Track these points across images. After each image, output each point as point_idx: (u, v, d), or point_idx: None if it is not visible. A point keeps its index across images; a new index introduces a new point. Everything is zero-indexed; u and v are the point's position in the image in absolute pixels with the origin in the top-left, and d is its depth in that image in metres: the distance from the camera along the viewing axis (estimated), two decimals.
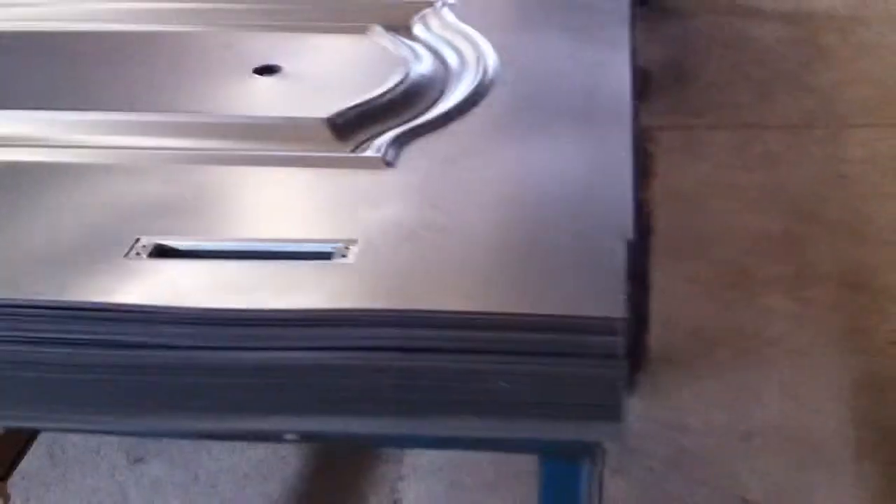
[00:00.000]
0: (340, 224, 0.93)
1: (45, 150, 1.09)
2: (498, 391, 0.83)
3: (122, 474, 2.05)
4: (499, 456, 1.96)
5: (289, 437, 0.95)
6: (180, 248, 0.90)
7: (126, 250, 0.89)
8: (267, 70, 1.23)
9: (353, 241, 0.89)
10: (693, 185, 2.83)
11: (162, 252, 0.90)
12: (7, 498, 1.71)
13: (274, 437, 0.95)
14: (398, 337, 0.82)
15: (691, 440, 2.02)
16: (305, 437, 0.97)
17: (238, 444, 2.04)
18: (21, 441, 1.71)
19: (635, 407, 2.02)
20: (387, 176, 1.01)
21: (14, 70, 1.30)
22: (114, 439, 2.15)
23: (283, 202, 1.00)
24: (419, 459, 2.05)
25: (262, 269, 0.87)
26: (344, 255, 0.88)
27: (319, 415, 0.86)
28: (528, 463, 1.02)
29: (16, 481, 1.84)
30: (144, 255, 0.89)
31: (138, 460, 2.10)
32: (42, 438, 1.93)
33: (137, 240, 0.91)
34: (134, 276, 0.86)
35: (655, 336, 2.24)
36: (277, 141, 1.09)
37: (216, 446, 2.07)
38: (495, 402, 0.84)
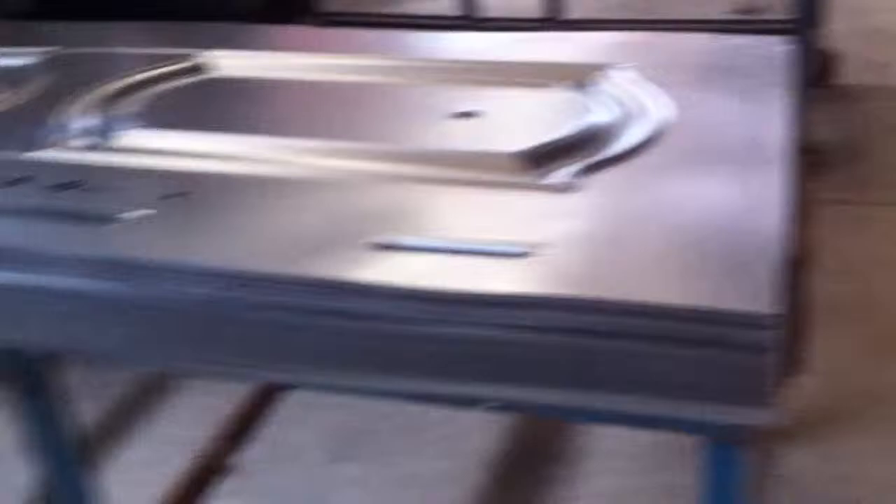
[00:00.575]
0: (531, 231, 1.13)
1: (282, 167, 1.35)
2: (658, 373, 1.00)
3: (325, 471, 2.31)
4: (670, 484, 2.10)
5: (485, 405, 1.14)
6: (401, 244, 1.12)
7: (356, 245, 1.12)
8: (464, 115, 1.46)
9: (542, 245, 1.08)
10: (861, 256, 2.90)
11: (386, 247, 1.12)
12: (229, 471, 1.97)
13: (472, 403, 1.15)
14: (577, 321, 1.00)
15: (857, 491, 2.10)
16: (500, 406, 1.16)
17: (427, 453, 2.27)
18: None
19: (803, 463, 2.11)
20: (570, 198, 1.20)
21: (261, 108, 1.59)
22: (313, 439, 2.42)
23: (480, 214, 1.20)
24: (595, 483, 2.22)
25: (467, 262, 1.08)
26: (534, 255, 1.07)
27: (511, 385, 1.05)
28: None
29: None
30: (373, 249, 1.11)
31: (339, 459, 2.36)
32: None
33: (364, 238, 1.13)
34: (367, 264, 1.09)
35: (821, 389, 2.35)
36: (474, 170, 1.30)
37: (408, 453, 2.31)
38: (656, 382, 1.00)
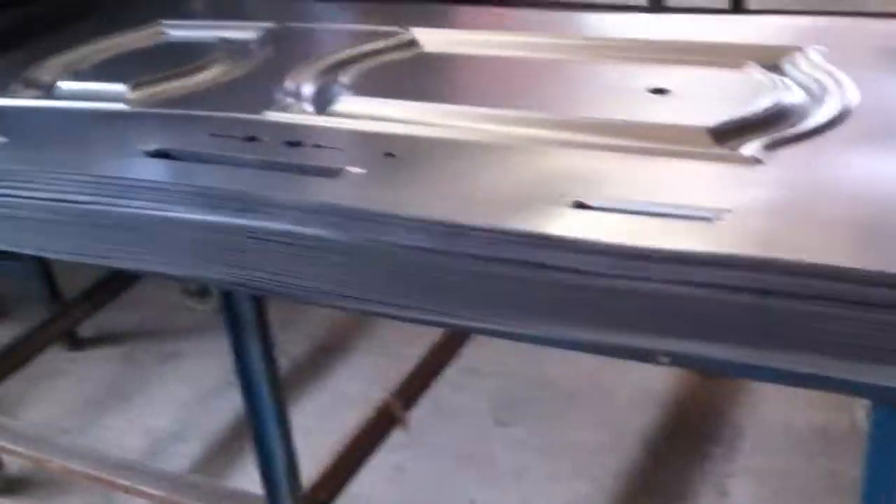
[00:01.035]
0: (719, 198, 1.21)
1: (487, 135, 1.49)
2: (837, 334, 1.07)
3: (490, 433, 2.45)
4: (825, 470, 2.13)
5: (662, 359, 1.23)
6: (598, 205, 1.23)
7: (556, 204, 1.24)
8: (658, 91, 1.56)
9: (729, 211, 1.17)
10: None
11: (584, 206, 1.23)
12: (399, 425, 2.13)
13: (649, 357, 1.24)
14: (761, 280, 1.08)
15: None
16: (675, 360, 1.25)
17: (585, 423, 2.37)
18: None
19: None
20: (757, 170, 1.28)
21: (464, 81, 1.74)
22: (478, 402, 2.56)
23: (671, 181, 1.30)
24: (750, 461, 2.27)
25: (659, 223, 1.18)
26: (721, 219, 1.16)
27: (692, 340, 1.14)
28: (853, 482, 1.24)
29: None
30: (571, 208, 1.23)
31: (503, 423, 2.49)
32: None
33: (564, 198, 1.25)
34: (566, 221, 1.20)
35: None
36: (668, 141, 1.40)
37: (567, 421, 2.42)
38: (834, 343, 1.08)
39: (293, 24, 2.13)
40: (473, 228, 1.20)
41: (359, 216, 1.29)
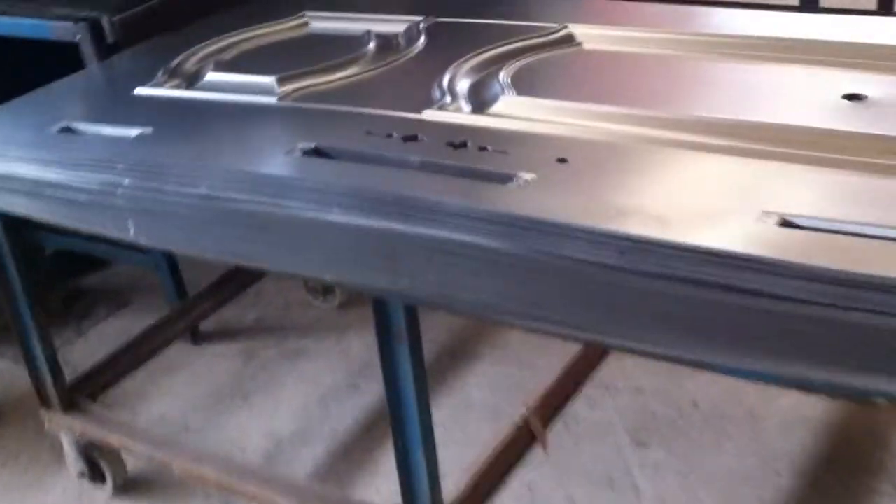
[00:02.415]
0: None
1: (659, 139, 1.40)
2: None
3: (627, 454, 2.35)
4: None
5: (878, 399, 1.14)
6: (802, 224, 1.14)
7: (747, 218, 1.15)
8: (854, 97, 1.45)
9: None
10: None
11: (786, 223, 1.14)
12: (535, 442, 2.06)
13: (861, 395, 1.15)
14: None
15: None
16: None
17: (730, 449, 2.26)
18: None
19: None
20: None
21: (628, 80, 1.66)
22: (618, 422, 2.47)
23: (878, 198, 1.20)
24: None
25: (876, 246, 1.08)
26: None
27: None
28: None
29: None
30: (772, 224, 1.13)
31: (642, 444, 2.39)
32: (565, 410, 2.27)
33: (754, 212, 1.16)
34: (759, 239, 1.11)
35: None
36: (869, 154, 1.29)
37: (710, 445, 2.31)
38: None
39: (442, 18, 2.07)
40: (669, 246, 1.12)
41: (533, 226, 1.22)
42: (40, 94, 1.99)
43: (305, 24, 2.21)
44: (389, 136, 1.51)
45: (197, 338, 2.88)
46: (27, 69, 2.77)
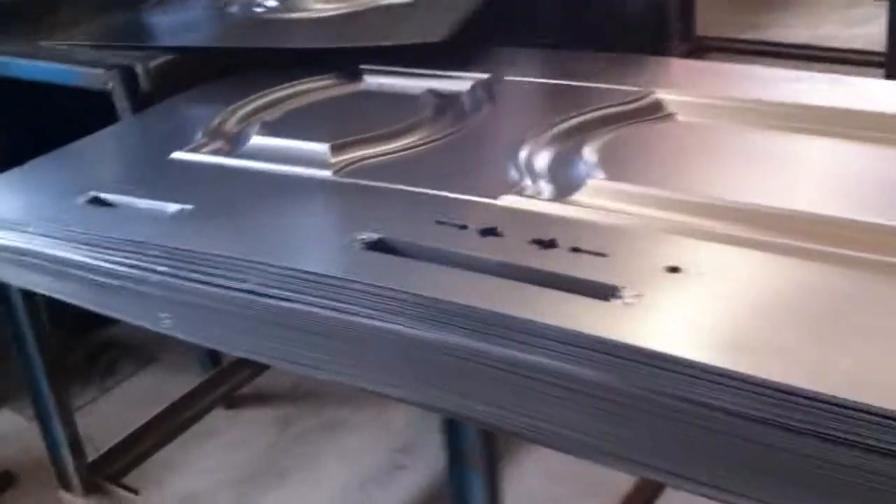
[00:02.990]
0: None
1: (793, 245, 1.20)
2: None
3: None
4: None
5: None
6: None
7: None
8: None
9: None
10: None
11: None
12: None
13: None
14: None
15: None
16: None
17: None
18: None
19: None
20: None
21: (737, 164, 1.47)
22: None
23: None
24: None
25: None
26: None
27: None
28: None
29: None
30: None
31: None
32: None
33: None
34: None
35: None
36: None
37: None
38: None
39: (510, 77, 1.89)
40: (830, 403, 0.91)
41: (643, 359, 1.02)
42: (67, 153, 1.83)
43: (359, 79, 2.03)
44: (463, 227, 1.32)
45: (231, 401, 2.70)
46: (51, 115, 2.64)
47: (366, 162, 1.60)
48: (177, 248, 1.36)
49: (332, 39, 2.17)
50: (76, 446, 1.98)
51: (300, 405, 2.69)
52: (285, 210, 1.47)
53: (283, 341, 1.30)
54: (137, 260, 1.39)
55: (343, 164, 1.59)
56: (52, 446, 1.98)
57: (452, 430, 1.30)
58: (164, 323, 1.40)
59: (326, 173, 1.56)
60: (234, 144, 1.77)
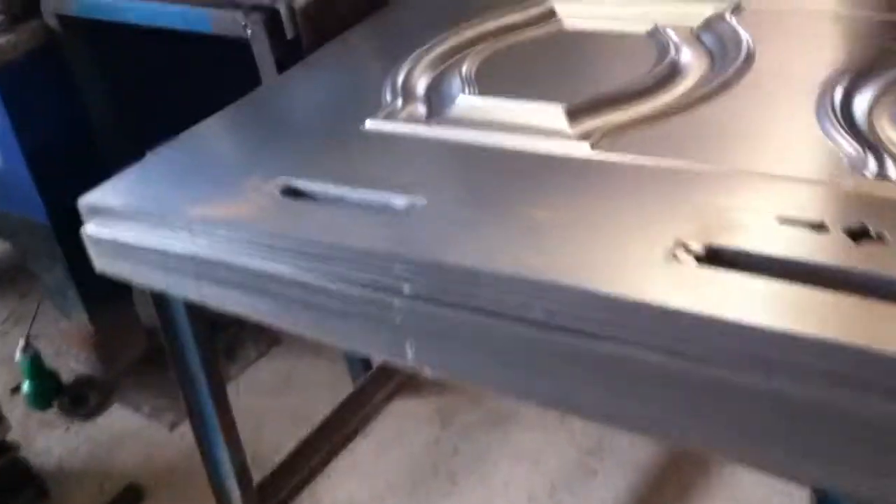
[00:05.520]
0: None
1: None
2: None
3: None
4: None
5: None
6: None
7: None
8: None
9: None
10: None
11: None
12: None
13: None
14: None
15: None
16: None
17: None
18: None
19: None
20: None
21: None
22: None
23: None
24: None
25: None
26: None
27: None
28: None
29: None
30: None
31: None
32: None
33: None
34: None
35: None
36: None
37: None
38: None
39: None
40: None
41: None
42: (224, 121, 1.58)
43: (551, 13, 1.74)
44: (819, 226, 1.04)
45: None
46: (169, 66, 2.39)
47: (618, 133, 1.32)
48: (429, 262, 1.11)
49: None
50: (244, 478, 1.77)
51: (458, 395, 2.45)
52: (556, 202, 1.20)
53: (589, 387, 1.05)
54: (374, 276, 1.14)
55: (593, 133, 1.32)
56: (215, 473, 1.76)
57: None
58: (409, 355, 1.16)
59: (582, 147, 1.29)
60: (434, 107, 1.50)
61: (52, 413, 2.63)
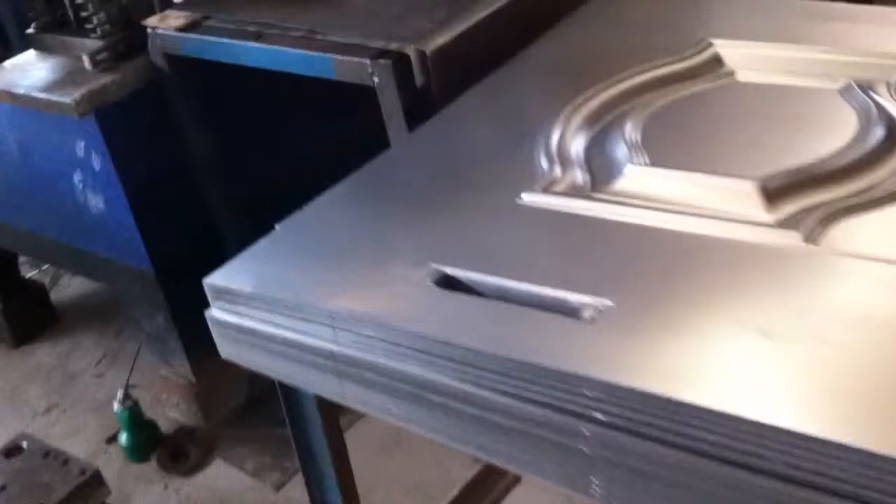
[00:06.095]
0: None
1: None
2: None
3: None
4: None
5: None
6: None
7: None
8: None
9: None
10: None
11: None
12: None
13: None
14: None
15: None
16: None
17: None
18: None
19: None
20: None
21: None
22: None
23: None
24: None
25: None
26: None
27: None
28: None
29: None
30: None
31: None
32: None
33: None
34: None
35: None
36: None
37: None
38: None
39: None
40: None
41: None
42: (354, 189, 1.44)
43: (718, 61, 1.56)
44: None
45: None
46: (276, 108, 2.28)
47: (836, 218, 1.14)
48: (626, 389, 0.95)
49: None
50: None
51: None
52: (776, 307, 1.02)
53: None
54: (558, 396, 0.98)
55: (801, 219, 1.14)
56: None
57: None
58: (596, 491, 1.00)
59: (791, 237, 1.12)
60: (597, 175, 1.34)
61: (150, 466, 2.53)
